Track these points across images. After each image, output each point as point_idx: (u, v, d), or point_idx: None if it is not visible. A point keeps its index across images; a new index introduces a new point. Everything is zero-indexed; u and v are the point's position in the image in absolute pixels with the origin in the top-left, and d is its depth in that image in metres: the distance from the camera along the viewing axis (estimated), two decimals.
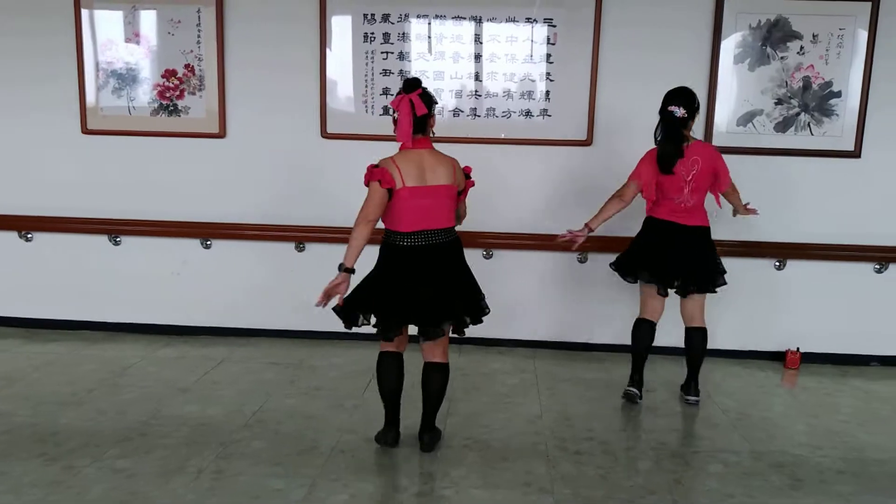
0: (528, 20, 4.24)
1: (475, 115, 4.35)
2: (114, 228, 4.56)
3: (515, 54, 4.29)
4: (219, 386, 3.83)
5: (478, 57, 4.30)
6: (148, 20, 4.36)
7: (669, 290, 3.71)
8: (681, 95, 3.55)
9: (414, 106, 2.93)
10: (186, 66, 4.37)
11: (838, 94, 4.24)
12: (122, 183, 4.54)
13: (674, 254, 3.63)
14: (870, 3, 4.15)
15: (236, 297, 4.60)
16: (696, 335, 3.74)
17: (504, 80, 4.31)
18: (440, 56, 4.30)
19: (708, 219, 3.70)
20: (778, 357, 4.47)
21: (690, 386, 3.78)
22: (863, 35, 4.19)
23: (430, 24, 4.28)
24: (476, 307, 3.13)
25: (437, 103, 3.12)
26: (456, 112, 4.35)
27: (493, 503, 2.76)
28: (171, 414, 3.47)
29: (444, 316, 3.03)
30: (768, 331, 4.48)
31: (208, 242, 4.56)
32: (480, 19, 4.26)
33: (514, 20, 4.25)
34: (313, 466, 2.98)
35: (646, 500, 2.80)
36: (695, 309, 3.72)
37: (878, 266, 4.38)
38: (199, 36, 4.33)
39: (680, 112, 3.51)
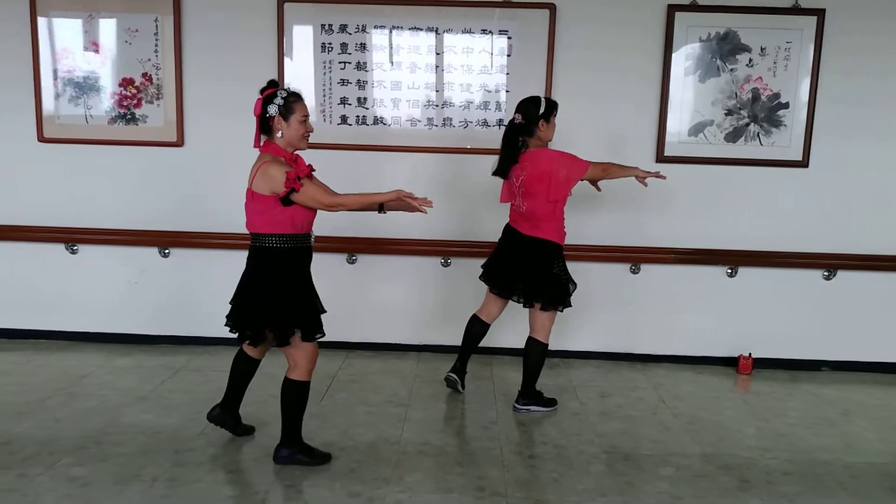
0: (485, 31, 4.31)
1: (432, 124, 4.40)
2: (69, 237, 4.51)
3: (472, 65, 4.35)
4: (175, 394, 3.82)
5: (436, 67, 4.36)
6: (105, 28, 4.34)
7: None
8: (521, 103, 3.61)
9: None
10: (144, 74, 4.36)
11: (786, 106, 4.37)
12: (79, 191, 4.51)
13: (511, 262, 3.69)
14: (815, 17, 4.30)
15: (196, 306, 4.58)
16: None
17: (461, 90, 4.37)
18: (398, 66, 4.35)
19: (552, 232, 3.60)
20: (731, 363, 4.58)
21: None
22: (809, 48, 4.32)
23: (389, 34, 4.33)
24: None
25: (281, 103, 2.92)
26: (413, 122, 4.40)
27: None
28: (128, 422, 3.45)
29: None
30: (721, 337, 4.58)
31: (167, 251, 4.54)
32: (438, 30, 4.32)
33: (470, 31, 4.31)
34: (269, 473, 2.99)
35: (596, 502, 2.85)
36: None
37: (826, 273, 4.51)
38: (156, 45, 4.33)
39: (518, 119, 3.58)
